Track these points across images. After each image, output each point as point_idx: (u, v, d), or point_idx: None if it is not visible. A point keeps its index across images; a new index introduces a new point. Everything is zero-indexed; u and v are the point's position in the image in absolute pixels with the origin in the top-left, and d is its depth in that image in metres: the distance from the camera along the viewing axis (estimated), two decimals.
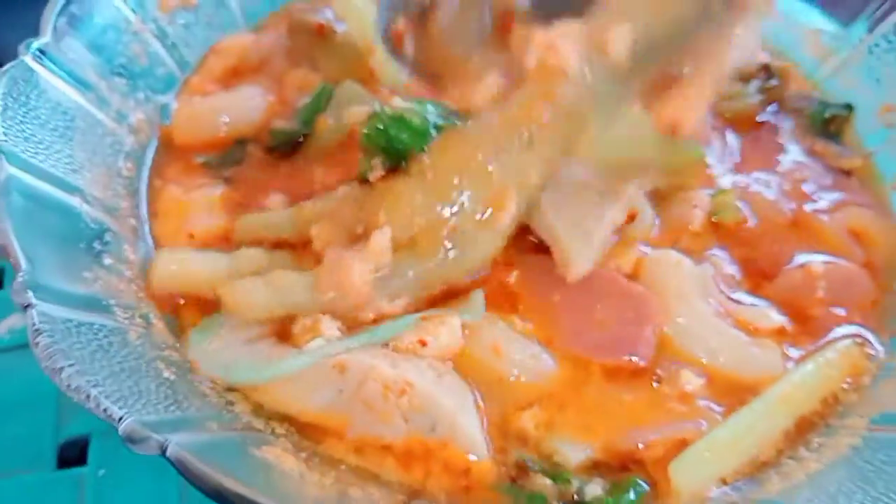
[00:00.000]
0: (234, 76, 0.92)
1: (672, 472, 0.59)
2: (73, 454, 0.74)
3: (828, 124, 0.93)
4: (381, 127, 0.66)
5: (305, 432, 0.62)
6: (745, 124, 0.93)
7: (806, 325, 0.72)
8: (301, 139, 0.83)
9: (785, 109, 0.95)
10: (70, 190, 0.69)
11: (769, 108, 0.95)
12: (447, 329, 0.64)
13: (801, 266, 0.77)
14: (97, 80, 0.80)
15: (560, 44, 0.63)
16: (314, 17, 0.93)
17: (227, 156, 0.84)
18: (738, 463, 0.61)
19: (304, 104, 0.86)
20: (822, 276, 0.75)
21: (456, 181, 0.63)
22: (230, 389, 0.63)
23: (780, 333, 0.71)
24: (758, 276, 0.76)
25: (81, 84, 0.77)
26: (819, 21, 0.99)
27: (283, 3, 1.03)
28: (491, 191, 0.64)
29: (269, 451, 0.57)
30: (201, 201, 0.78)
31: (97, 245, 0.68)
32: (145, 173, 0.82)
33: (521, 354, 0.65)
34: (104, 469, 0.72)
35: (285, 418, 0.62)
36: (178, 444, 0.48)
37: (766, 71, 0.96)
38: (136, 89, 0.85)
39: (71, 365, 0.50)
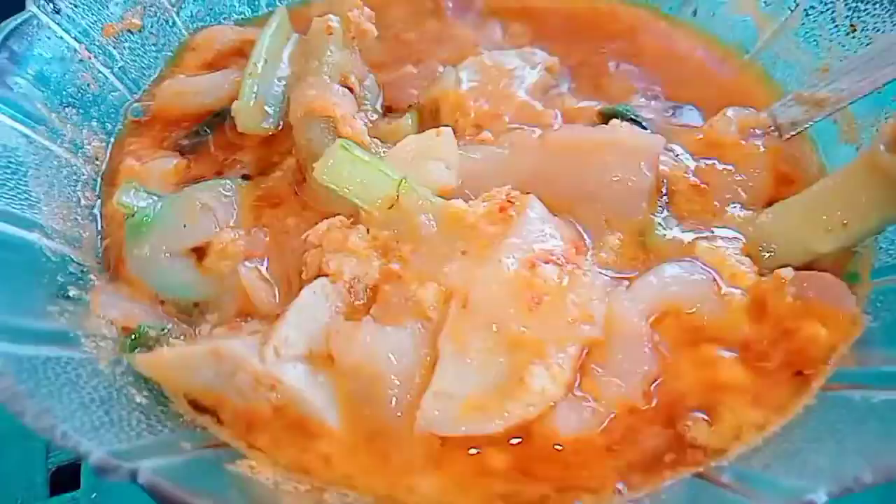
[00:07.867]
0: (211, 68, 0.93)
1: None
2: (65, 479, 0.75)
3: None
4: None
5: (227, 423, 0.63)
6: None
7: None
8: None
9: None
10: (28, 226, 0.69)
11: None
12: None
13: None
14: (47, 113, 0.79)
15: None
16: None
17: (200, 128, 0.86)
18: None
19: None
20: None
21: None
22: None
23: None
24: None
25: (31, 119, 0.77)
26: None
27: (224, 15, 1.02)
28: None
29: (242, 464, 0.59)
30: (156, 171, 0.80)
31: (60, 278, 0.69)
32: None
33: None
34: (97, 492, 0.74)
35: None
36: (150, 469, 0.49)
37: None
38: (89, 118, 0.85)
39: (36, 404, 0.51)
